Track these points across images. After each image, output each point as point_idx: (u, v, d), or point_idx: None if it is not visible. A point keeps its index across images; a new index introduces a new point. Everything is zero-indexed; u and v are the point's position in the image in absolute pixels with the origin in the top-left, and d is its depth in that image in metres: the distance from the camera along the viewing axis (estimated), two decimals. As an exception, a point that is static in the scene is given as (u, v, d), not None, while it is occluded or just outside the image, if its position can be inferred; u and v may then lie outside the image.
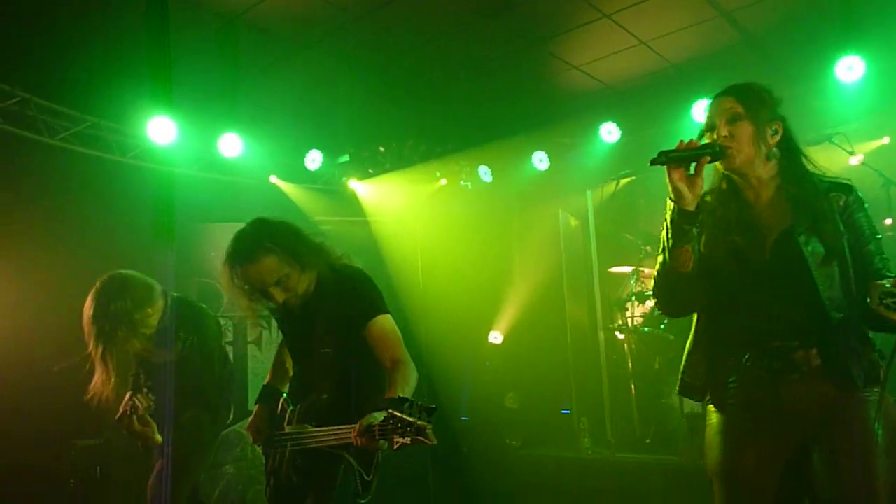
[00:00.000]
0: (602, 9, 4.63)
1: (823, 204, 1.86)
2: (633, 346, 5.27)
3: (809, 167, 1.93)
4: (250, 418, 2.58)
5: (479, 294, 6.03)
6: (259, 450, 2.61)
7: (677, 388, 2.00)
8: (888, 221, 4.41)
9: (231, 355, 5.09)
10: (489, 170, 6.23)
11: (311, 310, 2.39)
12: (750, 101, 1.92)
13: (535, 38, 5.07)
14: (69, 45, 4.23)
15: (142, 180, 4.97)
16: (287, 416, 2.47)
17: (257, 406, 2.58)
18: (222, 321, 4.37)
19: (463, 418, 6.09)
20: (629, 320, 5.29)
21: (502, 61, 5.44)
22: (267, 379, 2.69)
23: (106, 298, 2.75)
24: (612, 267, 5.61)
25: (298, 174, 5.89)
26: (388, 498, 2.41)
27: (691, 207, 1.79)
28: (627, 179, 5.46)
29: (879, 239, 1.89)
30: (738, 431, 1.84)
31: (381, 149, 5.93)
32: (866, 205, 1.90)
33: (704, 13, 4.71)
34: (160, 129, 4.71)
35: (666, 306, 2.02)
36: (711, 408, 1.92)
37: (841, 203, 1.87)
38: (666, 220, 1.85)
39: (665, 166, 1.79)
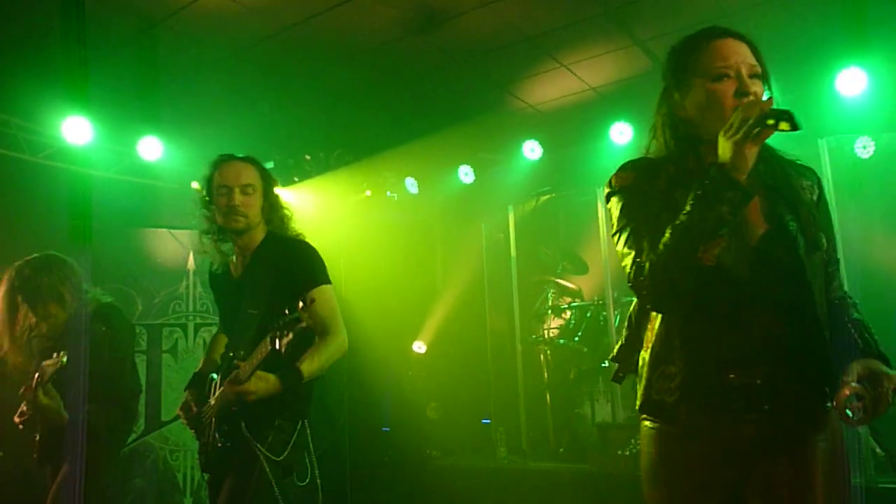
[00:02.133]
0: (525, 31, 4.80)
1: (799, 191, 1.63)
2: (550, 357, 5.45)
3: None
4: (181, 404, 2.59)
5: (404, 304, 6.09)
6: (171, 462, 2.60)
7: (638, 403, 1.65)
8: None
9: (145, 364, 4.98)
10: (415, 182, 6.31)
11: (249, 271, 2.49)
12: (762, 61, 1.62)
13: (463, 57, 5.20)
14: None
15: (55, 181, 4.79)
16: (212, 389, 2.50)
17: (186, 391, 2.61)
18: (137, 329, 4.26)
19: (384, 429, 6.12)
20: (545, 332, 5.47)
21: (431, 77, 5.55)
22: (197, 368, 2.72)
23: (32, 271, 2.78)
24: (531, 281, 5.78)
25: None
26: (305, 507, 2.44)
27: (742, 178, 1.45)
28: (547, 196, 5.65)
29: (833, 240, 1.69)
30: (687, 452, 1.57)
31: (307, 157, 5.92)
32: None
33: (621, 41, 4.95)
34: (75, 130, 4.56)
35: (659, 298, 1.57)
36: (663, 429, 1.60)
37: (815, 195, 1.67)
38: (699, 195, 1.47)
39: (745, 128, 1.43)
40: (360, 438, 5.73)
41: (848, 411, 1.44)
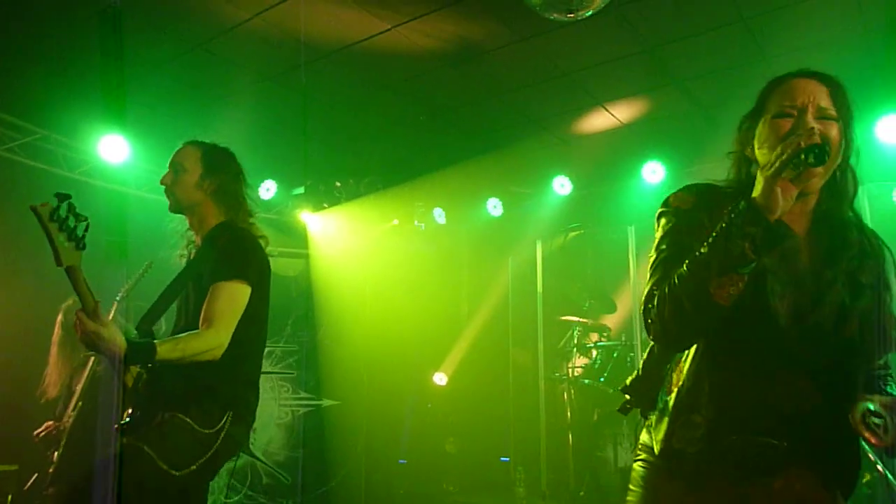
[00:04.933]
0: (561, 67, 4.79)
1: (858, 256, 1.51)
2: (573, 396, 5.32)
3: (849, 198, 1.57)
4: None
5: (427, 335, 6.04)
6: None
7: (658, 449, 1.54)
8: None
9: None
10: (443, 212, 6.30)
11: (194, 257, 2.46)
12: (842, 104, 1.53)
13: (498, 90, 5.20)
14: (23, 58, 4.16)
15: (92, 197, 4.88)
16: None
17: None
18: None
19: (401, 461, 6.02)
20: (570, 370, 5.36)
21: (464, 109, 5.56)
22: None
23: None
24: (557, 317, 5.68)
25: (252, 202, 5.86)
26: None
27: (774, 218, 1.36)
28: (576, 233, 5.59)
29: None
30: None
31: (338, 184, 5.95)
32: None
33: (658, 80, 4.92)
34: (112, 148, 4.65)
35: (666, 336, 1.50)
36: (675, 479, 1.53)
37: (879, 257, 1.55)
38: (723, 227, 1.39)
39: (778, 165, 1.36)
40: (377, 469, 5.64)
41: (870, 422, 1.39)
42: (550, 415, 5.40)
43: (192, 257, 2.48)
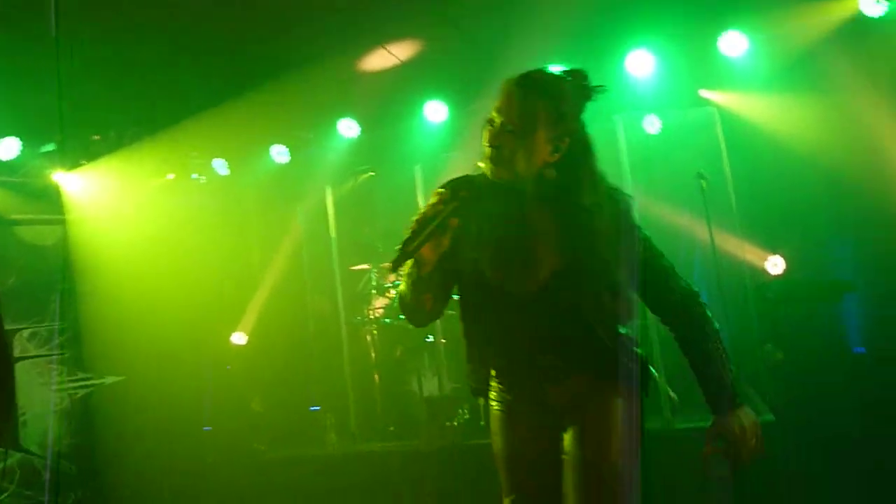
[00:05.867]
0: (337, 2, 4.63)
1: (597, 212, 1.80)
2: (376, 337, 5.40)
3: (590, 175, 1.83)
4: None
5: (218, 295, 5.72)
6: None
7: (472, 385, 2.07)
8: None
9: None
10: (225, 163, 5.91)
11: None
12: (537, 95, 1.77)
13: (272, 30, 4.90)
14: None
15: None
16: None
17: None
18: None
19: (206, 428, 5.73)
20: (371, 313, 5.41)
21: (238, 51, 5.18)
22: None
23: None
24: (352, 263, 5.67)
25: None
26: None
27: (429, 270, 1.76)
28: (365, 176, 5.57)
29: (663, 257, 1.90)
30: (513, 421, 1.99)
31: (96, 137, 5.27)
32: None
33: (433, 17, 4.95)
34: None
35: (410, 320, 2.00)
36: (494, 403, 2.03)
37: (622, 208, 1.86)
38: (406, 270, 1.81)
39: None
40: (180, 441, 5.32)
41: (713, 469, 1.72)
42: (355, 358, 5.44)
43: None
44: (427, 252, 1.71)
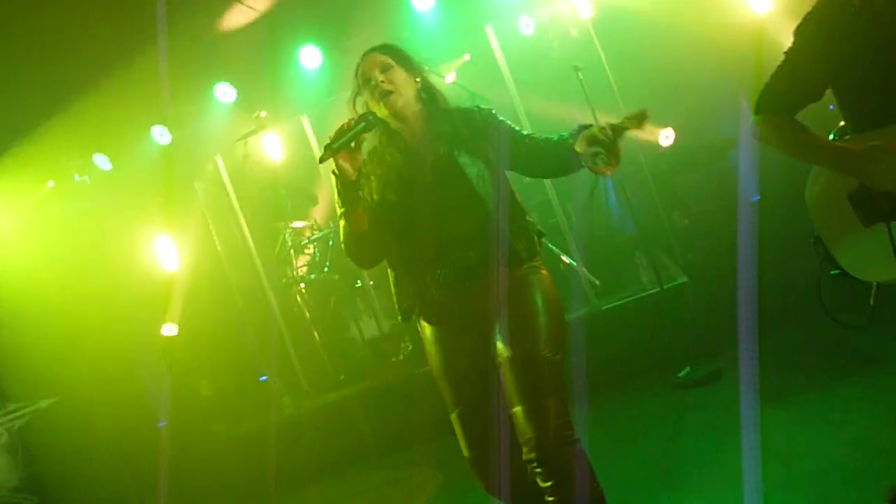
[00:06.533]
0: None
1: (464, 126, 2.16)
2: (306, 295, 5.39)
3: (445, 103, 2.24)
4: None
5: (134, 292, 5.53)
6: None
7: (399, 316, 2.20)
8: None
9: None
10: (106, 157, 5.63)
11: None
12: (396, 54, 2.21)
13: (124, 6, 4.59)
14: None
15: None
16: None
17: None
18: None
19: (160, 424, 5.67)
20: (295, 272, 5.38)
21: (88, 34, 4.84)
22: None
23: None
24: (263, 226, 5.57)
25: None
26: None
27: (354, 177, 1.99)
28: (253, 136, 5.43)
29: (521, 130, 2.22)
30: (443, 335, 2.14)
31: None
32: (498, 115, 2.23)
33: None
34: None
35: (360, 263, 2.24)
36: (423, 322, 2.18)
37: (480, 120, 2.18)
38: (336, 192, 2.03)
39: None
40: (135, 443, 5.26)
41: (597, 161, 1.82)
42: (290, 320, 5.43)
43: None
44: (344, 160, 1.97)
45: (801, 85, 1.90)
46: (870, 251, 1.71)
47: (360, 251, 2.17)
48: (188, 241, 5.63)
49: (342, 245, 2.18)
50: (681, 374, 3.87)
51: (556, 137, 2.11)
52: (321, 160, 1.98)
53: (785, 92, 1.91)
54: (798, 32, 1.90)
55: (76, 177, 5.60)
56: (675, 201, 5.04)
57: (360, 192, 2.05)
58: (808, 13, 1.87)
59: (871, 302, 1.72)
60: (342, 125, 2.00)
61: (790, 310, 3.78)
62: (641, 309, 4.27)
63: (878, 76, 1.75)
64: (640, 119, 1.82)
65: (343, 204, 2.04)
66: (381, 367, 4.81)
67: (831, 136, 1.93)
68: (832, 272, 1.85)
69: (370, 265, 2.27)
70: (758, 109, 1.97)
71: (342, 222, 2.09)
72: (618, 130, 1.82)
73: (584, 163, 1.89)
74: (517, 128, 2.23)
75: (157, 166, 5.61)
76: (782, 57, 1.92)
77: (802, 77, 1.89)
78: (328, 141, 1.97)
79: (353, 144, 1.98)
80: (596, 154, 1.82)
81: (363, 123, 2.01)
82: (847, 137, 1.87)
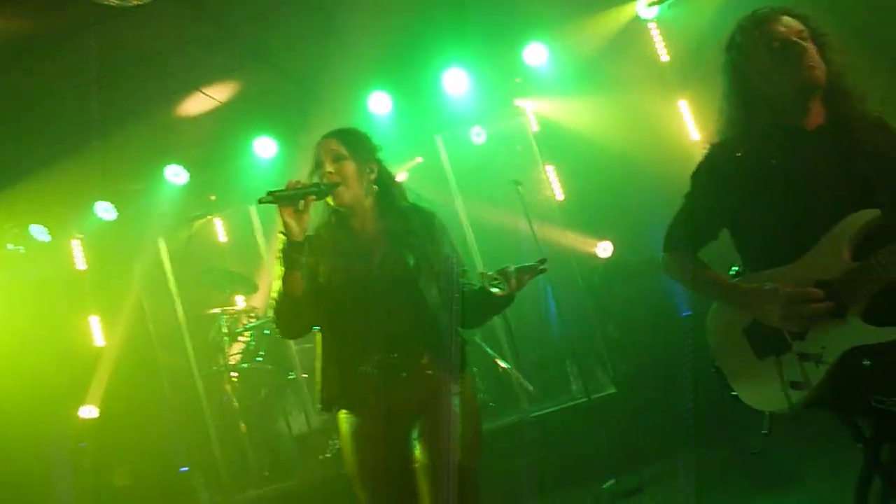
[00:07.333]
0: (140, 53, 4.51)
1: (422, 227, 2.21)
2: (236, 384, 5.25)
3: (401, 198, 2.28)
4: None
5: (55, 369, 5.29)
6: None
7: (319, 404, 2.17)
8: None
9: None
10: (45, 228, 5.54)
11: None
12: (351, 143, 2.21)
13: (76, 82, 4.66)
14: None
15: None
16: None
17: None
18: None
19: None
20: (227, 360, 5.25)
21: (37, 108, 4.87)
22: None
23: None
24: (201, 310, 5.48)
25: None
26: None
27: (300, 239, 2.00)
28: (200, 221, 5.43)
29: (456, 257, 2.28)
30: (363, 430, 2.12)
31: None
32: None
33: (245, 57, 4.94)
34: None
35: (285, 329, 2.18)
36: (342, 415, 2.16)
37: (439, 226, 2.25)
38: (278, 251, 2.03)
39: (276, 205, 1.97)
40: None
41: (494, 288, 1.99)
42: (216, 409, 5.26)
43: None
44: (290, 216, 1.98)
45: (697, 227, 2.06)
46: (763, 382, 1.82)
47: (289, 316, 2.13)
48: (120, 321, 5.49)
49: (272, 308, 2.14)
50: (605, 486, 3.87)
51: (478, 286, 2.17)
52: (260, 201, 1.96)
53: (685, 232, 2.06)
54: (693, 178, 2.07)
55: (10, 246, 5.46)
56: (608, 312, 5.19)
57: (302, 257, 2.03)
58: (700, 161, 2.06)
59: (765, 431, 1.81)
60: (294, 181, 2.02)
61: (716, 424, 3.87)
62: (569, 418, 4.31)
63: (762, 221, 1.89)
64: (534, 272, 2.03)
65: (284, 263, 2.03)
66: (307, 463, 4.66)
67: (733, 270, 2.08)
68: (732, 393, 1.96)
69: (294, 334, 2.25)
70: (665, 246, 2.11)
71: (277, 283, 2.07)
72: (519, 276, 2.01)
73: (484, 283, 2.02)
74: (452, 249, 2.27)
75: (99, 242, 5.54)
76: (682, 200, 2.09)
77: (698, 220, 2.05)
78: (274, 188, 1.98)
79: (300, 205, 1.98)
80: (494, 279, 1.99)
81: (314, 189, 2.03)
82: (743, 275, 2.03)
